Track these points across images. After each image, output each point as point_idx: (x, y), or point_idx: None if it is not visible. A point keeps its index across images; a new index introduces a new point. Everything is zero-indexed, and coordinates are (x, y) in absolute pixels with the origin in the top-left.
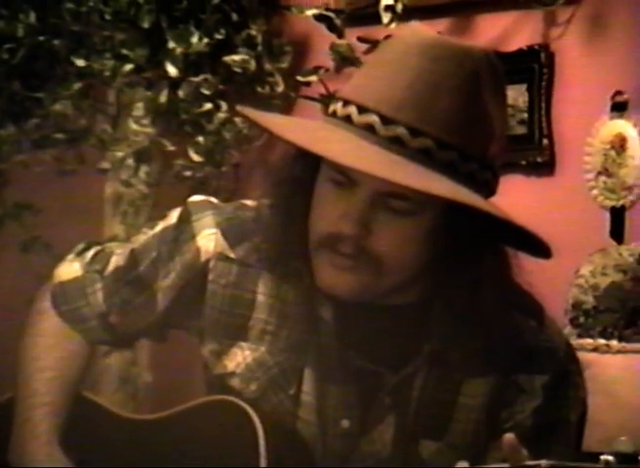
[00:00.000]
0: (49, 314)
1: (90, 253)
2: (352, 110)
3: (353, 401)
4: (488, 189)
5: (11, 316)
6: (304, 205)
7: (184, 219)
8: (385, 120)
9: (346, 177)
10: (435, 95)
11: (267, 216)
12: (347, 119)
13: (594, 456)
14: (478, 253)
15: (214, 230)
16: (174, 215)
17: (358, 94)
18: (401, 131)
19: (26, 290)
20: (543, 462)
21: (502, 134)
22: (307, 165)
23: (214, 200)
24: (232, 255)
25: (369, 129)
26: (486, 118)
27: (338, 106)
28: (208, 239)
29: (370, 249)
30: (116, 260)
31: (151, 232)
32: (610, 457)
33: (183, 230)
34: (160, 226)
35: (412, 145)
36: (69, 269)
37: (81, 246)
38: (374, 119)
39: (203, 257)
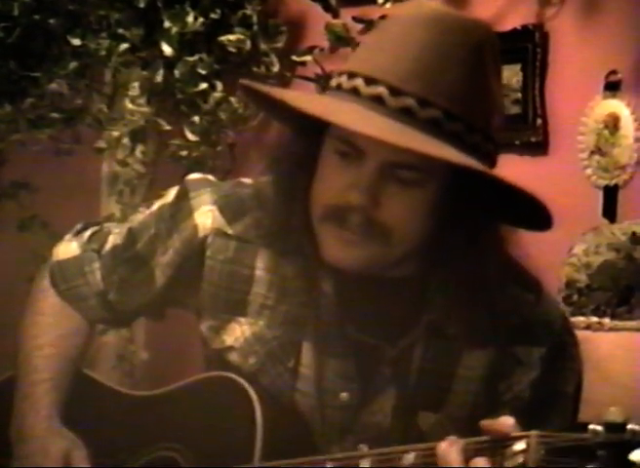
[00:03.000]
0: (48, 293)
1: (88, 233)
2: (359, 82)
3: (352, 373)
4: (490, 161)
5: (9, 294)
6: (306, 180)
7: (182, 197)
8: (394, 91)
9: (354, 149)
10: (442, 66)
11: (267, 193)
12: (354, 91)
13: (584, 426)
14: (479, 227)
15: (211, 207)
16: (171, 194)
17: (365, 66)
18: (410, 101)
19: (24, 268)
20: (533, 433)
21: (502, 106)
22: (310, 140)
23: (211, 178)
24: (230, 231)
25: (377, 100)
26: (489, 90)
27: (342, 79)
28: (205, 215)
29: (377, 220)
30: (114, 239)
31: (149, 211)
32: (598, 427)
33: (181, 207)
34: (157, 204)
35: (421, 116)
36: (67, 248)
37: (79, 225)
38: (382, 90)
39: (201, 234)
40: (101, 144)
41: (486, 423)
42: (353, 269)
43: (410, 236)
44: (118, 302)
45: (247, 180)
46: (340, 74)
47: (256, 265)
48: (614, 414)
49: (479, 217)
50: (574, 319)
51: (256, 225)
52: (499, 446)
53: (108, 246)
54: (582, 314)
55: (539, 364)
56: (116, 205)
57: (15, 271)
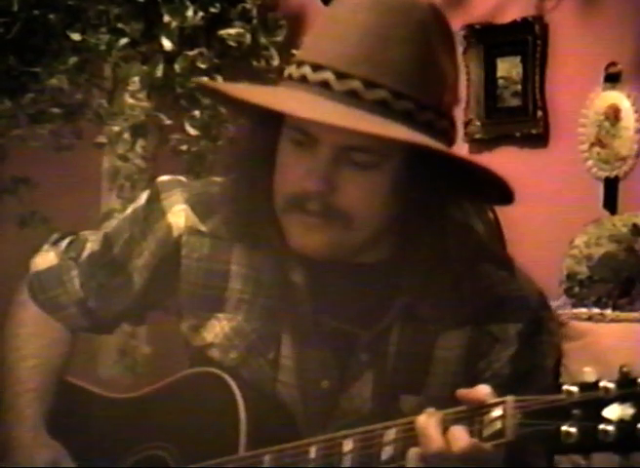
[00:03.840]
0: (28, 304)
1: (64, 242)
2: (306, 70)
3: (331, 361)
4: (447, 138)
5: (10, 289)
6: (268, 173)
7: (154, 199)
8: (340, 75)
9: (307, 136)
10: (386, 46)
11: (233, 189)
12: (303, 79)
13: (558, 388)
14: (442, 205)
15: (183, 206)
16: (143, 196)
17: (312, 53)
18: (356, 84)
19: (24, 264)
20: (509, 398)
21: (455, 82)
22: (268, 132)
23: (182, 178)
24: (203, 229)
25: (324, 85)
26: (437, 67)
27: (292, 69)
28: (178, 215)
29: (337, 205)
30: (90, 246)
31: (122, 215)
32: (573, 387)
33: (154, 209)
34: (131, 208)
35: (367, 97)
36: (45, 259)
37: (55, 235)
38: (328, 75)
39: (175, 233)
40: (102, 139)
41: (462, 392)
42: (318, 254)
43: (371, 218)
44: (98, 309)
45: (217, 178)
46: (291, 64)
47: (230, 261)
48: (588, 375)
49: (442, 196)
50: (575, 310)
51: (225, 222)
52: (476, 414)
53: (85, 253)
54: (584, 306)
55: (516, 339)
56: (117, 199)
57: (15, 267)
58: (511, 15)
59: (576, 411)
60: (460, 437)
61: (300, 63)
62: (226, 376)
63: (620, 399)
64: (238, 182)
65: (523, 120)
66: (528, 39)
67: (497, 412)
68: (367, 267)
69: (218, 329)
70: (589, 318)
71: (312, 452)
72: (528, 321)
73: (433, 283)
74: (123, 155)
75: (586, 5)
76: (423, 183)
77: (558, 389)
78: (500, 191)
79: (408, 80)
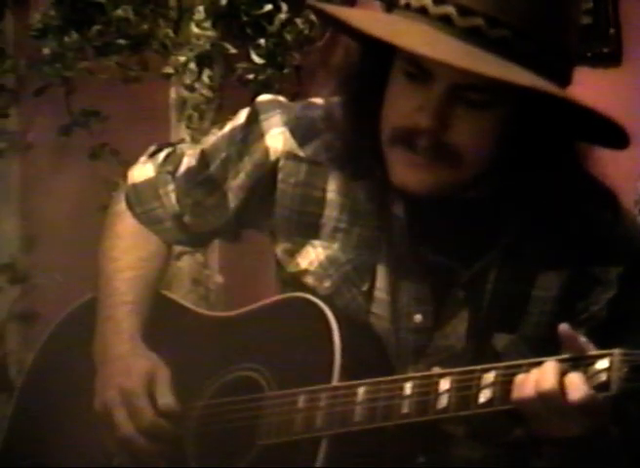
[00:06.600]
0: (125, 216)
1: (162, 155)
2: (427, 1)
3: (426, 296)
4: (564, 79)
5: (83, 222)
6: (376, 101)
7: (253, 119)
8: (463, 10)
9: (421, 70)
10: None
11: (338, 114)
12: (422, 10)
13: None
14: (553, 146)
15: (282, 129)
16: (242, 116)
17: None
18: (479, 21)
19: (96, 196)
20: (616, 351)
21: (577, 22)
22: (379, 60)
23: (282, 99)
24: (301, 154)
25: (445, 20)
26: (562, 7)
27: None
28: (276, 139)
29: (446, 142)
30: (187, 161)
31: (220, 133)
32: None
33: (252, 130)
34: (229, 127)
35: (490, 36)
36: (142, 171)
37: (153, 147)
38: (450, 10)
39: (272, 157)
40: (169, 70)
41: (566, 327)
42: (421, 193)
43: (479, 158)
44: (193, 225)
45: (318, 101)
46: None
47: (327, 188)
48: None
49: (553, 136)
50: None
51: (326, 148)
52: (581, 363)
53: (182, 168)
54: None
55: (616, 283)
56: (186, 130)
57: (87, 199)
58: None
59: None
60: (579, 385)
61: None
62: (322, 304)
63: None
64: (344, 107)
65: (594, 38)
66: None
67: (602, 364)
68: (470, 202)
69: (313, 255)
70: None
71: (407, 389)
72: (630, 264)
73: (538, 223)
74: (190, 85)
75: None
76: (537, 123)
77: None
78: (616, 134)
79: (532, 19)
